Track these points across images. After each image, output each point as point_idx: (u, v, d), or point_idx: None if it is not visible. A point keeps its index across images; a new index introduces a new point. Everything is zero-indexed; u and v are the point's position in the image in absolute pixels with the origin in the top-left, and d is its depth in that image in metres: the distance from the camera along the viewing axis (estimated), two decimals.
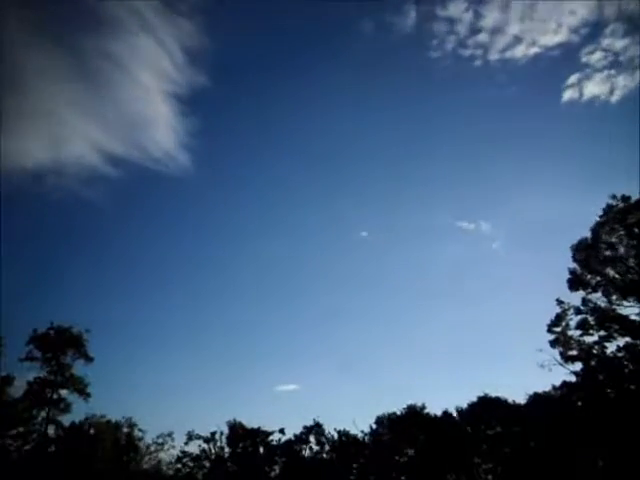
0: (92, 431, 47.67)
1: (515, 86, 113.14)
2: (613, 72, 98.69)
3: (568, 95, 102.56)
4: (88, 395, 47.11)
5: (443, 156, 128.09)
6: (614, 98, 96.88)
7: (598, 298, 34.79)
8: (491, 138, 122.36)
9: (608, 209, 35.17)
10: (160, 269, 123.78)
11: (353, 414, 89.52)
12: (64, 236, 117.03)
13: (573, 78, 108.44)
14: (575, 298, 35.96)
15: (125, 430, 49.37)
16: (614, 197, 34.89)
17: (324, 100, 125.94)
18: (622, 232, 34.68)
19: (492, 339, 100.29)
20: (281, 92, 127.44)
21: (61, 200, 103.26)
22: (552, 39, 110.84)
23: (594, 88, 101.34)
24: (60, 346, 47.39)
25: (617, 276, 34.80)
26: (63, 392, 46.71)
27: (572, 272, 36.24)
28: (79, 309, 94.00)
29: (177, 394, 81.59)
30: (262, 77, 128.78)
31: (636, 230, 33.95)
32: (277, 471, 51.76)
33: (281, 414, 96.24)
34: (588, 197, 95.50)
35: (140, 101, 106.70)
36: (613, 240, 35.12)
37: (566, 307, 36.26)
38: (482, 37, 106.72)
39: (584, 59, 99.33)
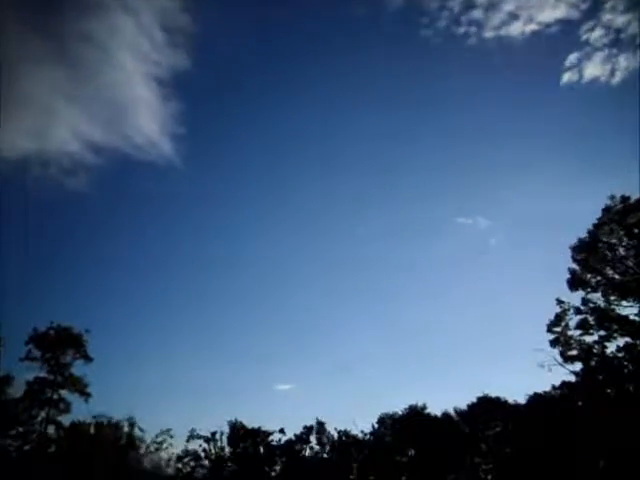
0: (92, 431, 47.73)
1: (512, 68, 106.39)
2: (614, 51, 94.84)
3: (567, 77, 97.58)
4: (88, 395, 47.23)
5: (436, 148, 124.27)
6: (615, 80, 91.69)
7: (598, 298, 34.93)
8: (486, 124, 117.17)
9: (607, 210, 35.27)
10: (155, 265, 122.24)
11: (352, 414, 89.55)
12: (56, 231, 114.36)
13: (572, 58, 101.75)
14: (575, 298, 36.08)
15: (125, 430, 49.45)
16: (612, 198, 34.93)
17: (317, 89, 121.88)
18: (621, 233, 34.79)
19: (491, 339, 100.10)
20: (271, 80, 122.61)
21: (48, 191, 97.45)
22: (550, 15, 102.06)
23: (594, 69, 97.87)
24: (60, 346, 47.43)
25: (616, 276, 34.95)
26: (63, 392, 46.80)
27: (572, 272, 36.34)
28: (74, 307, 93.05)
29: (177, 393, 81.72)
30: (252, 63, 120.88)
31: (635, 230, 34.05)
32: (278, 471, 51.96)
33: (281, 413, 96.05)
34: (589, 187, 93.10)
35: (122, 85, 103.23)
36: (612, 241, 35.22)
37: (566, 307, 36.36)
38: (476, 13, 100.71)
39: (584, 37, 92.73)
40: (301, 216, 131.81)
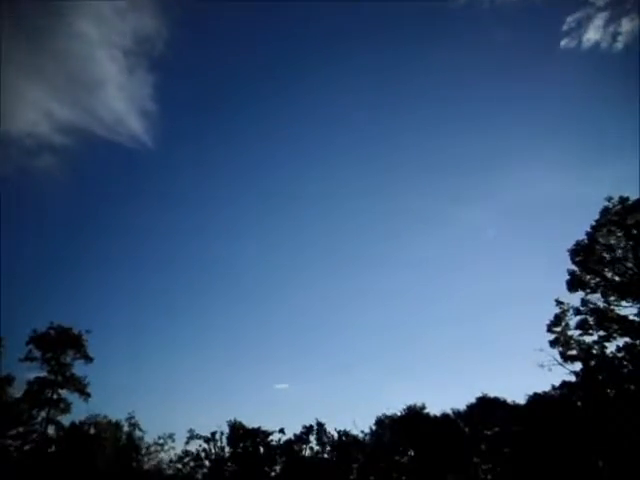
0: (92, 431, 47.65)
1: (505, 34, 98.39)
2: (617, 12, 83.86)
3: (565, 43, 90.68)
4: (88, 395, 47.21)
5: (430, 136, 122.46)
6: (617, 46, 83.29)
7: (597, 299, 35.14)
8: (480, 102, 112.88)
9: (605, 211, 35.49)
10: (151, 265, 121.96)
11: (352, 414, 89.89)
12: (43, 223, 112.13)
13: (571, 20, 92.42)
14: (575, 299, 36.31)
15: (125, 430, 49.40)
16: (610, 199, 35.13)
17: (309, 72, 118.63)
18: (620, 234, 35.01)
19: (491, 339, 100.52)
20: (256, 48, 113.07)
21: (13, 175, 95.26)
22: None
23: (595, 33, 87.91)
24: (60, 346, 47.40)
25: (616, 277, 35.16)
26: (63, 392, 46.78)
27: (571, 273, 36.55)
28: (73, 307, 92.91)
29: (178, 394, 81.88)
30: (235, 29, 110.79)
31: (634, 232, 34.28)
32: (277, 471, 51.96)
33: (280, 412, 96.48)
34: (589, 171, 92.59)
35: (84, 55, 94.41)
36: (611, 242, 35.45)
37: (565, 307, 36.59)
38: None
39: None
40: (299, 216, 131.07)
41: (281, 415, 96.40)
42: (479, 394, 48.76)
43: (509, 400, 47.16)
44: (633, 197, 34.09)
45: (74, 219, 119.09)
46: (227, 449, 52.21)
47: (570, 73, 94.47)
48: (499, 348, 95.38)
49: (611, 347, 34.10)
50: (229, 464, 51.29)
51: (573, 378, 36.79)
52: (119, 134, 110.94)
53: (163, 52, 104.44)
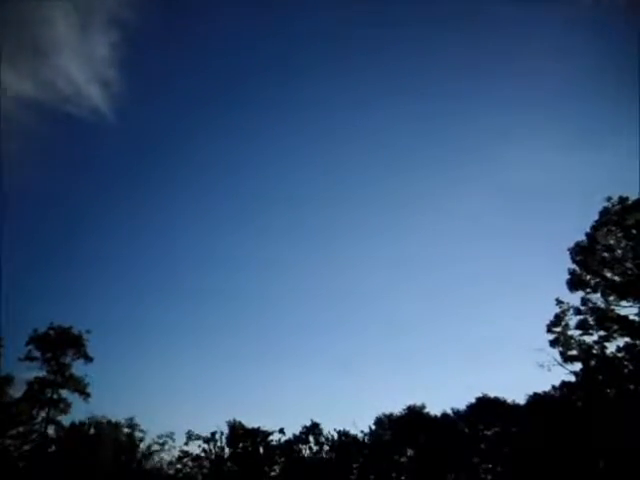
0: (92, 431, 47.70)
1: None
2: None
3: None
4: (88, 395, 47.29)
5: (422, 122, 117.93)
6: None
7: (597, 298, 35.16)
8: (477, 82, 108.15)
9: (605, 211, 35.51)
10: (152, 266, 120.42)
11: (352, 414, 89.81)
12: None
13: None
14: (575, 298, 36.34)
15: (125, 430, 49.42)
16: (610, 199, 35.16)
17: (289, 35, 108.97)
18: (620, 234, 35.04)
19: (491, 339, 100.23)
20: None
21: None
22: None
23: None
24: (60, 346, 47.46)
25: (616, 277, 35.19)
26: (63, 392, 46.86)
27: (571, 272, 36.57)
28: (73, 307, 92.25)
29: (177, 394, 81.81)
30: None
31: (634, 231, 34.31)
32: (277, 471, 51.94)
33: (280, 412, 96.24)
34: (589, 156, 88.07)
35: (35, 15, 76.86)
36: (611, 242, 35.48)
37: (565, 307, 36.60)
38: None
39: None
40: (295, 211, 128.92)
41: (281, 415, 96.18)
42: (479, 394, 48.90)
43: (509, 400, 47.28)
44: (633, 196, 34.23)
45: (45, 207, 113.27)
46: (227, 449, 52.23)
47: (570, 42, 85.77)
48: (499, 346, 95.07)
49: (611, 347, 34.18)
50: (229, 464, 51.30)
51: (573, 378, 36.88)
52: (77, 104, 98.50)
53: (122, 10, 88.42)
